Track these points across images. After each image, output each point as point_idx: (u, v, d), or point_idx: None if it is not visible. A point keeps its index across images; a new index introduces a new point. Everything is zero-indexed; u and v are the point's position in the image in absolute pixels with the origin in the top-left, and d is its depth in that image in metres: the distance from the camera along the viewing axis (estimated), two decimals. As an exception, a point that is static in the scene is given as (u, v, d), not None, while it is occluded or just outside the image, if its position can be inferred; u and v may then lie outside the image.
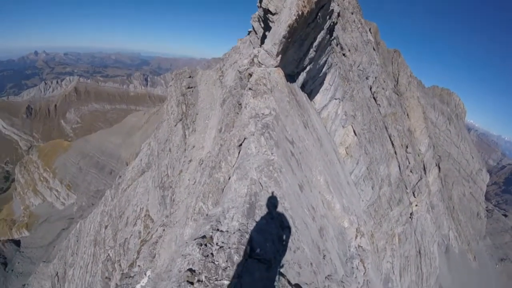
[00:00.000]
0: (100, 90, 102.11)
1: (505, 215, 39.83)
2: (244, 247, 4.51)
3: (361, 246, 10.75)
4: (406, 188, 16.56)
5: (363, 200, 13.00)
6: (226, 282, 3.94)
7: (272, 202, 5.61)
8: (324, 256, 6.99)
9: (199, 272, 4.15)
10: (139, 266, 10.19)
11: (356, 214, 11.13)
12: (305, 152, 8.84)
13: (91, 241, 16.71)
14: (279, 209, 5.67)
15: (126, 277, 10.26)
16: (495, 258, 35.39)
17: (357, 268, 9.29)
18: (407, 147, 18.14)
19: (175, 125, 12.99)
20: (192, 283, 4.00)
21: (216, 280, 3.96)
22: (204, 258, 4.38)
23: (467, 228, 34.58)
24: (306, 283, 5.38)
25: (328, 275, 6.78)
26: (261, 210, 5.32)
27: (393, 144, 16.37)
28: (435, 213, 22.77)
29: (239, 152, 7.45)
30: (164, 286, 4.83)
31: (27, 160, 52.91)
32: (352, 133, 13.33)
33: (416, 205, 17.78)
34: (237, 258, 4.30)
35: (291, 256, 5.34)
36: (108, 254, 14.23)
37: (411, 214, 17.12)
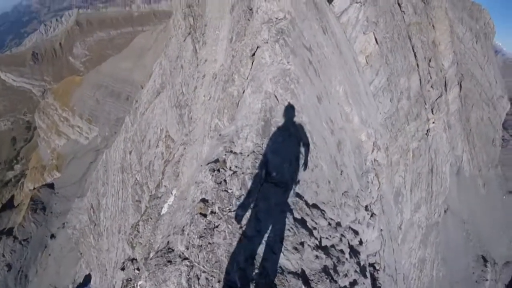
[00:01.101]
0: (102, 17, 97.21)
1: (521, 148, 39.03)
2: (258, 172, 4.25)
3: (377, 160, 10.57)
4: (425, 104, 16.10)
5: (380, 113, 12.80)
6: (241, 213, 3.76)
7: (289, 117, 5.23)
8: (341, 171, 6.87)
9: (212, 202, 3.95)
10: (165, 186, 10.69)
11: (373, 127, 10.85)
12: (324, 60, 8.21)
13: (119, 169, 17.85)
14: (297, 124, 5.33)
15: (154, 198, 10.82)
16: (503, 189, 35.39)
17: (371, 183, 9.33)
18: (430, 60, 17.04)
19: (184, 40, 12.39)
20: (205, 216, 3.79)
21: (230, 211, 3.78)
22: (217, 186, 4.14)
23: (481, 153, 34.50)
24: (324, 202, 5.23)
25: (345, 191, 6.73)
26: (277, 127, 4.97)
27: (415, 56, 15.36)
28: (451, 133, 22.58)
29: (252, 63, 6.86)
30: (179, 217, 4.64)
31: (44, 105, 54.30)
32: (374, 41, 12.44)
33: (434, 122, 17.52)
34: (251, 185, 4.09)
35: (309, 175, 5.12)
36: (136, 178, 15.21)
37: (427, 130, 16.99)
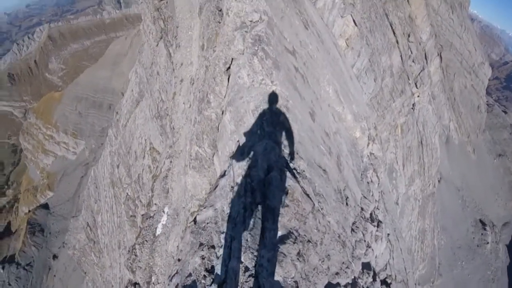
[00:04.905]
0: (74, 29, 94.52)
1: (505, 112, 39.41)
2: None
3: (373, 153, 9.86)
4: (408, 79, 16.11)
5: (365, 93, 12.72)
6: None
7: (285, 183, 3.82)
8: (346, 198, 5.69)
9: None
10: (155, 204, 10.29)
11: (364, 117, 9.88)
12: (309, 61, 7.21)
13: (108, 184, 17.47)
14: (299, 187, 3.90)
15: (147, 218, 10.49)
16: (493, 152, 36.04)
17: (371, 181, 8.46)
18: (409, 35, 16.97)
19: (157, 45, 11.99)
20: None
21: None
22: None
23: (467, 120, 34.95)
24: (337, 273, 4.09)
25: (353, 223, 5.65)
26: (273, 219, 3.55)
27: (394, 33, 15.25)
28: (436, 103, 22.78)
29: (228, 78, 5.89)
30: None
31: (27, 125, 53.25)
32: (352, 23, 12.21)
33: (418, 96, 17.60)
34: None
35: (319, 258, 3.92)
36: (127, 193, 14.85)
37: (413, 105, 17.06)
